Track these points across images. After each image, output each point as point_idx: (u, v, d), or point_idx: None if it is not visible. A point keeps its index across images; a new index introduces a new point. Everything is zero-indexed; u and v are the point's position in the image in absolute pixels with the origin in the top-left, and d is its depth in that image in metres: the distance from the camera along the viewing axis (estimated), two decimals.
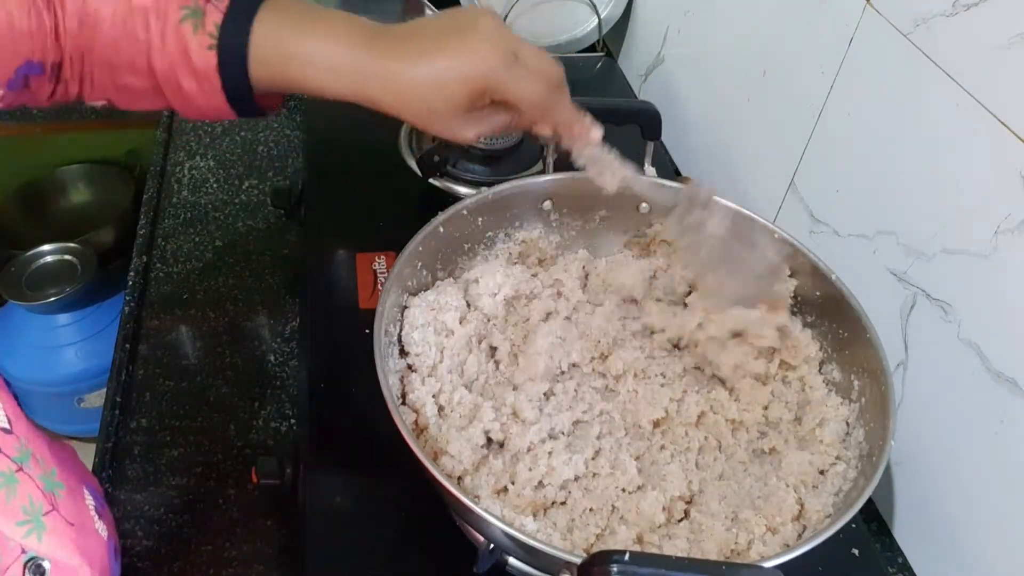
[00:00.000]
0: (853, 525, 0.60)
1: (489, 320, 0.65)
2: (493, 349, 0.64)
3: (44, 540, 0.44)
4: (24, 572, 0.43)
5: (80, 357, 1.51)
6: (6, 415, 0.44)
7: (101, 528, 0.51)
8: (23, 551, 0.43)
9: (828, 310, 0.62)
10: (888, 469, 0.66)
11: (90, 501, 0.51)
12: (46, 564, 0.44)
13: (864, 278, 0.64)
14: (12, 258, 1.52)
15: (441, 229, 0.63)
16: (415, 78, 0.48)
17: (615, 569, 0.39)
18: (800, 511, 0.54)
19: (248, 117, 0.53)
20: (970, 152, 0.56)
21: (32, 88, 0.49)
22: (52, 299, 1.47)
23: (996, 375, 0.55)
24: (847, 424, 0.58)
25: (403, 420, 0.50)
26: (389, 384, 0.51)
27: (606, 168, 0.56)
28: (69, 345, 1.52)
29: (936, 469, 0.61)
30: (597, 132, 0.55)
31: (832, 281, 0.60)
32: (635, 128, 0.77)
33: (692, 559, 0.48)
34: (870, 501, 0.66)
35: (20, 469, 0.43)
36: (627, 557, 0.40)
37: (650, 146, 0.79)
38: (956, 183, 0.57)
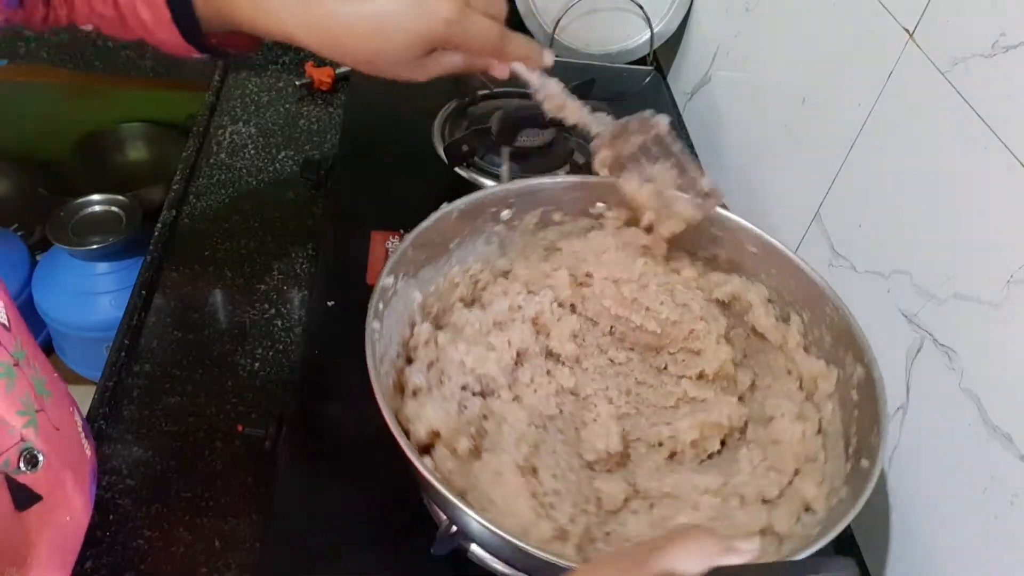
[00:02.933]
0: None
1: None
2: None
3: (40, 435, 0.46)
4: (19, 459, 0.45)
5: (113, 306, 1.56)
6: (6, 314, 0.46)
7: (86, 447, 0.53)
8: (22, 439, 0.45)
9: (838, 342, 0.60)
10: (872, 505, 0.64)
11: (78, 419, 0.53)
12: (40, 457, 0.46)
13: (876, 317, 0.62)
14: (64, 203, 1.58)
15: (455, 214, 0.63)
16: (354, 21, 0.49)
17: None
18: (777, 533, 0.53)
19: (214, 56, 0.56)
20: (993, 197, 0.54)
21: (27, 8, 0.53)
22: (94, 247, 1.52)
23: (992, 428, 0.53)
24: (834, 451, 0.57)
25: (384, 393, 0.50)
26: (376, 354, 0.52)
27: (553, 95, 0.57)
28: (105, 293, 1.56)
29: (922, 515, 0.60)
30: (549, 56, 0.56)
31: (843, 315, 0.59)
32: None
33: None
34: (852, 537, 0.65)
35: (16, 364, 0.45)
36: None
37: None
38: (975, 227, 0.56)
